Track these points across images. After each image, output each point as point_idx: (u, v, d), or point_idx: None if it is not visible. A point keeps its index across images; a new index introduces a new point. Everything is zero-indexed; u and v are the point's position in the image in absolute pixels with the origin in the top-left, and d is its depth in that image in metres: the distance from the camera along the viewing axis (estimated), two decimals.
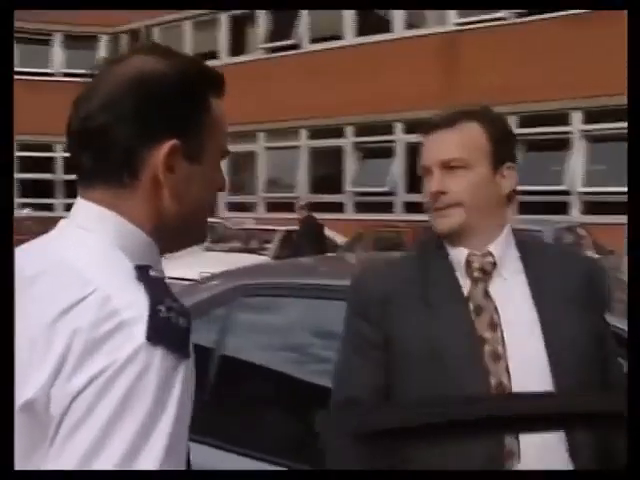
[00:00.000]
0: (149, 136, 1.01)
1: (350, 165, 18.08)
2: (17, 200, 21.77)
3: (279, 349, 2.52)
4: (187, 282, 3.70)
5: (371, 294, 1.68)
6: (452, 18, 16.44)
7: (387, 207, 17.22)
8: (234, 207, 20.05)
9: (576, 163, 14.91)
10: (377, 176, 17.37)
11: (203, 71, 1.09)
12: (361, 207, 17.81)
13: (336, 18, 18.07)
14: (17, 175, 20.75)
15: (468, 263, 1.66)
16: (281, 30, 19.38)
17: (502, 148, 1.69)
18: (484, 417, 1.08)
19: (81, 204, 1.04)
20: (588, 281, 1.69)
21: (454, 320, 1.62)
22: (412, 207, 17.03)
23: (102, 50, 22.79)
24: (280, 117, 18.39)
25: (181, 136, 1.02)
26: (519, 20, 15.51)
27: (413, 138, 17.02)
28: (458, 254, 1.68)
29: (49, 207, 21.61)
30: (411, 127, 16.87)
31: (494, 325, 1.61)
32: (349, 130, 18.07)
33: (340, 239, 14.73)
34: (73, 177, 1.07)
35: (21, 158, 21.06)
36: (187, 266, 11.47)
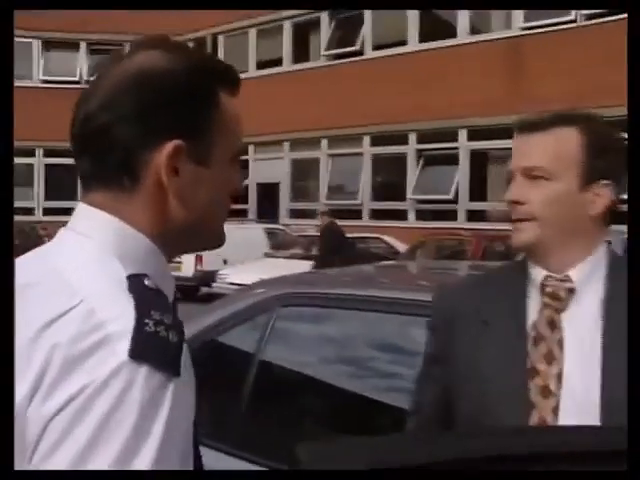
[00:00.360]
0: (151, 136, 0.94)
1: (413, 172, 17.92)
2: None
3: (319, 361, 2.46)
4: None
5: (440, 308, 1.63)
6: (517, 22, 16.15)
7: (450, 215, 17.00)
8: (296, 214, 20.10)
9: None
10: (440, 183, 17.17)
11: (211, 65, 1.00)
12: (423, 215, 17.63)
13: (399, 24, 17.98)
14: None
15: (542, 286, 1.50)
16: (344, 37, 19.37)
17: (600, 162, 1.47)
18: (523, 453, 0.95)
19: (81, 209, 0.98)
20: None
21: (505, 345, 1.48)
22: (475, 215, 16.81)
23: None
24: (343, 124, 18.37)
25: (186, 136, 0.95)
26: (588, 23, 15.14)
27: (477, 145, 16.80)
28: (536, 274, 1.51)
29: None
30: (475, 134, 16.64)
31: (551, 358, 1.45)
32: (412, 137, 17.92)
33: (402, 247, 14.62)
34: None
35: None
36: (247, 272, 11.64)
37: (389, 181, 18.86)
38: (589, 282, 1.48)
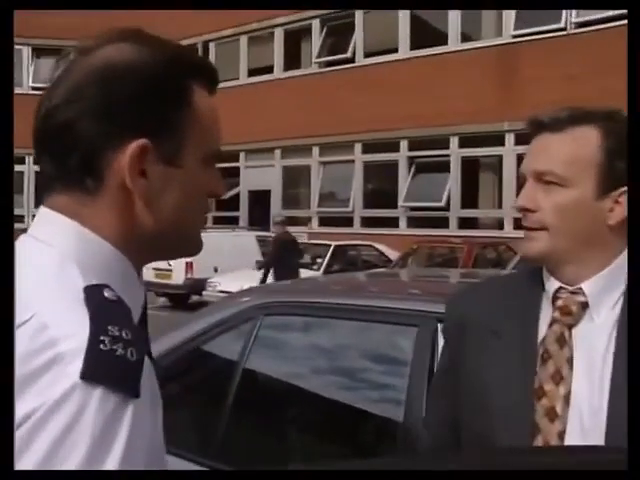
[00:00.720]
0: (115, 135, 0.87)
1: (404, 180, 17.90)
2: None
3: (303, 370, 2.42)
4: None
5: (452, 316, 1.52)
6: (508, 29, 16.16)
7: (441, 222, 16.97)
8: (287, 221, 20.04)
9: None
10: (431, 191, 17.14)
11: (183, 59, 0.93)
12: (415, 222, 17.60)
13: (391, 31, 17.97)
14: None
15: (554, 299, 1.37)
16: (335, 44, 19.36)
17: (621, 166, 1.32)
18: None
19: (42, 213, 0.91)
20: None
21: (514, 360, 1.36)
22: (466, 222, 16.79)
23: None
24: (334, 131, 18.33)
25: (154, 134, 0.88)
26: (579, 30, 15.16)
27: (468, 152, 16.79)
28: (549, 286, 1.39)
29: None
30: (466, 141, 16.63)
31: (559, 378, 1.33)
32: (403, 144, 17.90)
33: (393, 254, 14.59)
34: None
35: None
36: (237, 279, 11.58)
37: (380, 188, 18.82)
38: (604, 297, 1.34)
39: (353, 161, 18.89)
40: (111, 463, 0.74)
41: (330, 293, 2.56)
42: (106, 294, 0.83)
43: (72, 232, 0.87)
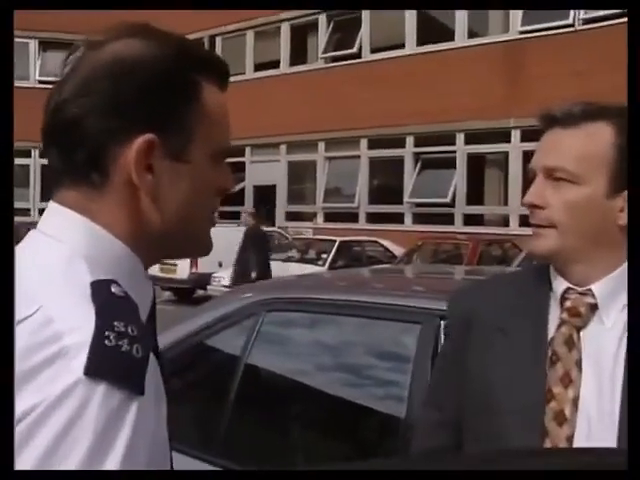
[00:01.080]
0: (122, 130, 0.86)
1: (410, 176, 17.87)
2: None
3: (305, 366, 2.42)
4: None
5: (455, 312, 1.50)
6: (515, 26, 16.11)
7: (447, 218, 16.95)
8: (292, 217, 20.03)
9: None
10: (437, 187, 17.12)
11: (192, 54, 0.92)
12: (420, 218, 17.58)
13: (397, 27, 17.93)
14: None
15: (563, 299, 1.34)
16: (342, 39, 19.33)
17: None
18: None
19: (51, 208, 0.92)
20: None
21: (522, 360, 1.33)
22: (472, 219, 16.76)
23: None
24: (340, 126, 18.31)
25: (161, 129, 0.87)
26: (586, 27, 15.10)
27: (474, 149, 16.75)
28: (558, 286, 1.35)
29: None
30: (472, 137, 16.60)
31: (568, 381, 1.29)
32: (409, 140, 17.87)
33: (398, 250, 14.58)
34: None
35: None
36: None
37: (386, 184, 18.80)
38: (614, 299, 1.31)
39: (359, 157, 18.87)
40: (113, 460, 0.73)
41: (333, 290, 2.55)
42: (113, 290, 0.83)
43: (82, 228, 0.87)
